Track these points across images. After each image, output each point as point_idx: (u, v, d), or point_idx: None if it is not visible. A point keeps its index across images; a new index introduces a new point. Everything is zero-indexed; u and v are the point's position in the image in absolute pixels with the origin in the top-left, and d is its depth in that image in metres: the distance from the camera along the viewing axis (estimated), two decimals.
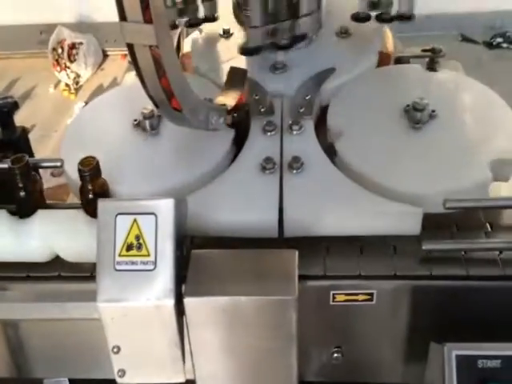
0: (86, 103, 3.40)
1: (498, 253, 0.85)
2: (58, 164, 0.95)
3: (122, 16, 0.68)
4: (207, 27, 1.24)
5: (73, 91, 3.63)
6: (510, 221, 0.92)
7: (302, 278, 0.79)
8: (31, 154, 1.08)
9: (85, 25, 3.81)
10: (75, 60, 3.68)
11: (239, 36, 1.17)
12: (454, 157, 0.94)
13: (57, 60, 3.66)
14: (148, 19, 0.66)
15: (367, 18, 1.14)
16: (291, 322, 0.75)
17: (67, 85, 3.63)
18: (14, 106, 1.04)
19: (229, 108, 0.89)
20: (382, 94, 1.07)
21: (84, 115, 1.16)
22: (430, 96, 1.01)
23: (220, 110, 0.89)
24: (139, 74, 0.73)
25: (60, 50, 3.70)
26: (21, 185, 0.87)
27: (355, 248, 0.88)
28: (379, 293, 0.85)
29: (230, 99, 0.92)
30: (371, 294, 0.85)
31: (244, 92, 1.02)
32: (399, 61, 1.25)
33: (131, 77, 1.35)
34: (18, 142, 1.04)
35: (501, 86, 3.33)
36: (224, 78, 1.09)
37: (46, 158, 0.96)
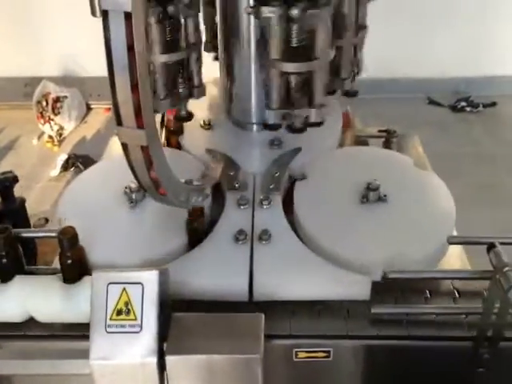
0: (69, 156, 3.52)
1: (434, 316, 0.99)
2: (53, 234, 1.06)
3: (119, 121, 0.83)
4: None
5: (56, 143, 3.76)
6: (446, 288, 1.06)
7: (268, 337, 0.91)
8: (28, 223, 1.20)
9: (69, 78, 3.98)
10: (59, 113, 3.84)
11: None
12: (400, 232, 1.09)
13: (41, 112, 3.82)
14: (140, 125, 0.81)
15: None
16: (257, 377, 0.87)
17: (50, 137, 3.76)
18: (14, 180, 1.17)
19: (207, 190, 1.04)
20: (341, 173, 1.23)
21: (77, 185, 1.28)
22: (381, 177, 1.16)
23: (199, 191, 1.03)
24: (131, 167, 0.87)
25: (44, 103, 3.85)
26: (2, 252, 0.95)
27: (315, 311, 1.01)
28: (335, 350, 0.97)
29: (208, 180, 1.07)
30: (328, 352, 0.97)
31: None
32: (359, 140, 1.42)
33: (117, 141, 1.48)
34: (17, 212, 1.17)
35: (463, 148, 3.56)
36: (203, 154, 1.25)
37: (43, 229, 1.08)
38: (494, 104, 3.93)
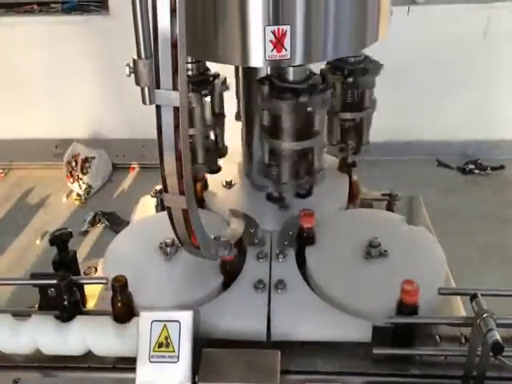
0: (96, 213, 3.73)
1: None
2: (104, 281, 1.26)
3: (165, 189, 1.04)
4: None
5: (83, 201, 3.97)
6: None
7: (284, 372, 1.08)
8: (78, 272, 1.39)
9: (97, 140, 4.24)
10: (87, 172, 4.09)
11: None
12: (399, 284, 1.25)
13: (70, 172, 4.08)
14: (181, 192, 1.02)
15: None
16: None
17: (79, 195, 3.99)
18: (70, 235, 1.38)
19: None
20: (347, 232, 1.41)
21: (119, 240, 1.48)
22: (382, 236, 1.34)
23: (225, 245, 1.22)
24: (173, 225, 1.08)
25: (74, 163, 4.11)
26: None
27: (324, 350, 1.18)
28: None
29: (232, 237, 1.27)
30: None
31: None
32: (364, 203, 1.61)
33: (145, 201, 1.70)
34: (70, 262, 1.37)
35: (471, 208, 3.68)
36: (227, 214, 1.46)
37: (96, 277, 1.27)
38: (501, 167, 4.02)
